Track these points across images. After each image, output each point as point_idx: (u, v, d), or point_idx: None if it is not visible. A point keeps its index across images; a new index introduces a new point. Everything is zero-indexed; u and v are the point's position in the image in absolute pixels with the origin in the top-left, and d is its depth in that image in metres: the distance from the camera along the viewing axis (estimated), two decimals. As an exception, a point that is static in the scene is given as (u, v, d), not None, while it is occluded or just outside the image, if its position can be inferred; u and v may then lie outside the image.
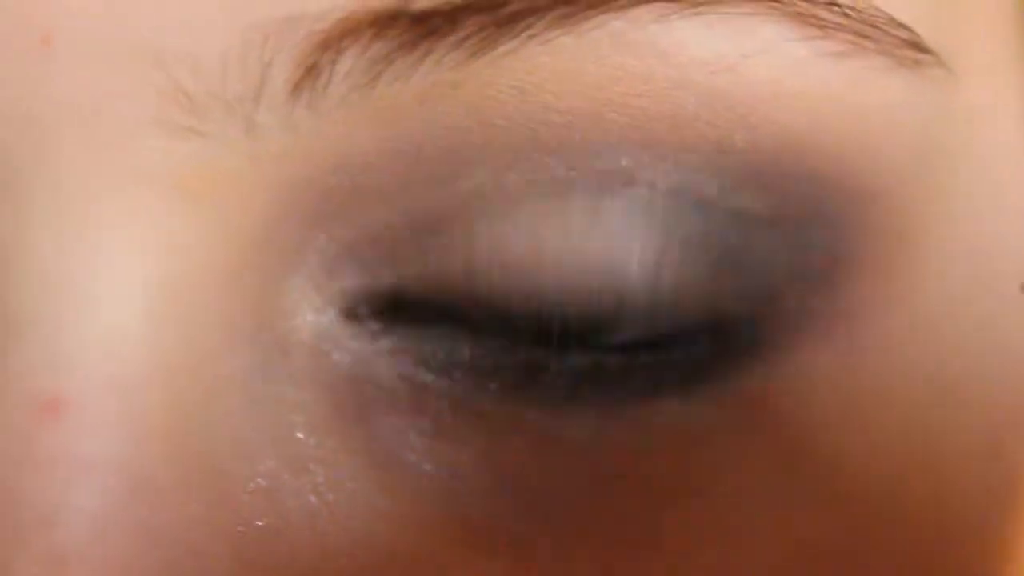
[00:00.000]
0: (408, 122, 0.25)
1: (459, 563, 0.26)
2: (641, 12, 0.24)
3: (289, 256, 0.26)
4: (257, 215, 0.25)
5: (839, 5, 0.25)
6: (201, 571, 0.24)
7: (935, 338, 0.28)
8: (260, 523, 0.25)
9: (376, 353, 0.26)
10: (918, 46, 0.26)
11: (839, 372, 0.28)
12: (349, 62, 0.23)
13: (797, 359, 0.27)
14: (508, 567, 0.26)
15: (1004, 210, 0.30)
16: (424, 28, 0.23)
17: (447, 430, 0.26)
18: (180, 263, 0.25)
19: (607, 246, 0.26)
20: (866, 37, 0.25)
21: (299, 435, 0.26)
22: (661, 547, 0.27)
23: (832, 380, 0.28)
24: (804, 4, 0.25)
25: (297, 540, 0.25)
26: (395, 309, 0.26)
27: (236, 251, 0.25)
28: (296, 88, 0.24)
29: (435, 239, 0.26)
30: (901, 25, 0.25)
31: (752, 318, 0.27)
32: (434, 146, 0.25)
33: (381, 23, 0.23)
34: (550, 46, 0.24)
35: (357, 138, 0.25)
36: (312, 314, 0.26)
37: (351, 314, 0.26)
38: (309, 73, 0.24)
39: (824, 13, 0.25)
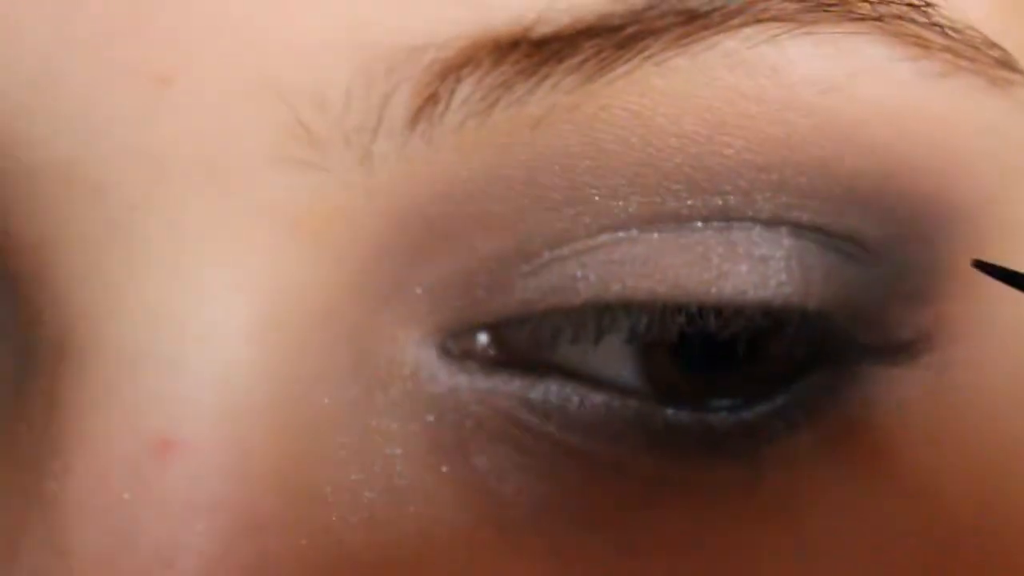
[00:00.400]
0: (520, 148, 0.24)
1: None
2: (753, 32, 0.24)
3: (391, 288, 0.25)
4: (365, 248, 0.25)
5: (940, 26, 0.25)
6: None
7: (1015, 352, 0.28)
8: (364, 556, 0.25)
9: (475, 391, 0.26)
10: (1010, 66, 0.26)
11: (934, 390, 0.28)
12: (467, 89, 0.23)
13: (896, 380, 0.27)
14: None
15: None
16: (544, 54, 0.23)
17: (547, 468, 0.26)
18: (287, 299, 0.25)
19: (726, 283, 0.26)
20: (963, 57, 0.25)
21: (399, 467, 0.26)
22: (748, 572, 0.27)
23: (928, 398, 0.28)
24: (906, 24, 0.25)
25: (400, 572, 0.25)
26: (497, 348, 0.26)
27: (341, 285, 0.25)
28: (415, 118, 0.23)
29: (543, 271, 0.26)
30: (995, 45, 0.25)
31: (858, 343, 0.27)
32: (546, 171, 0.25)
33: (502, 49, 0.23)
34: (664, 68, 0.24)
35: (468, 165, 0.24)
36: (413, 348, 0.26)
37: (451, 352, 0.26)
38: (428, 102, 0.23)
39: (926, 33, 0.25)
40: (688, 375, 0.27)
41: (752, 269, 0.26)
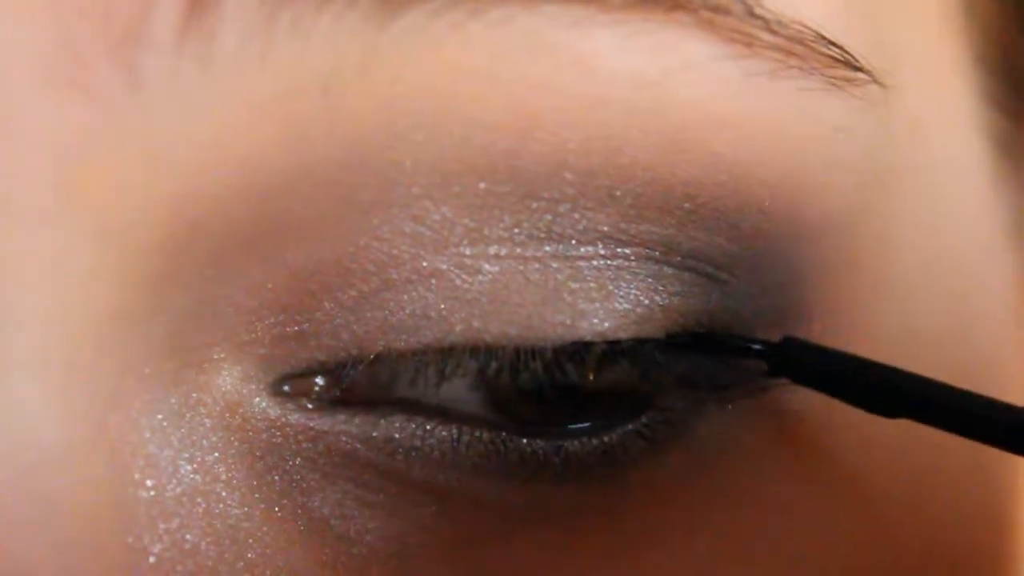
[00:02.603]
0: (315, 123, 0.23)
1: None
2: (553, 10, 0.23)
3: (197, 302, 0.24)
4: (155, 241, 0.23)
5: (763, 19, 0.23)
6: None
7: (908, 354, 0.27)
8: None
9: (310, 430, 0.25)
10: (849, 64, 0.24)
11: (805, 407, 0.26)
12: None
13: (768, 399, 0.26)
14: None
15: (948, 222, 0.29)
16: None
17: (394, 505, 0.25)
18: (73, 301, 0.23)
19: (582, 322, 0.25)
20: (792, 55, 0.24)
21: (222, 507, 0.24)
22: None
23: (807, 413, 0.26)
24: (726, 17, 0.23)
25: None
26: (335, 387, 0.25)
27: (133, 287, 0.23)
28: (184, 26, 0.22)
29: (375, 303, 0.24)
30: (831, 42, 0.24)
31: (722, 368, 0.25)
32: (349, 163, 0.23)
33: None
34: (458, 33, 0.23)
35: (263, 141, 0.23)
36: (233, 380, 0.24)
37: (283, 392, 0.25)
38: (197, 5, 0.22)
39: (747, 27, 0.23)
40: (540, 403, 0.25)
41: (607, 306, 0.25)
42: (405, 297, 0.24)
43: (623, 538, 0.25)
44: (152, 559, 0.23)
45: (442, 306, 0.24)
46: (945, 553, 0.28)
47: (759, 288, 0.25)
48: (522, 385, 0.25)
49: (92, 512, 0.23)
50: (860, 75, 0.24)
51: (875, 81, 0.25)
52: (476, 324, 0.24)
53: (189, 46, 0.22)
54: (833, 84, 0.24)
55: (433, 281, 0.24)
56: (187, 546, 0.24)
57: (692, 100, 0.24)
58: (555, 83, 0.23)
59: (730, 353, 0.25)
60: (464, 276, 0.24)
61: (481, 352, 0.24)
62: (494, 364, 0.24)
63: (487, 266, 0.24)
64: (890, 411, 0.25)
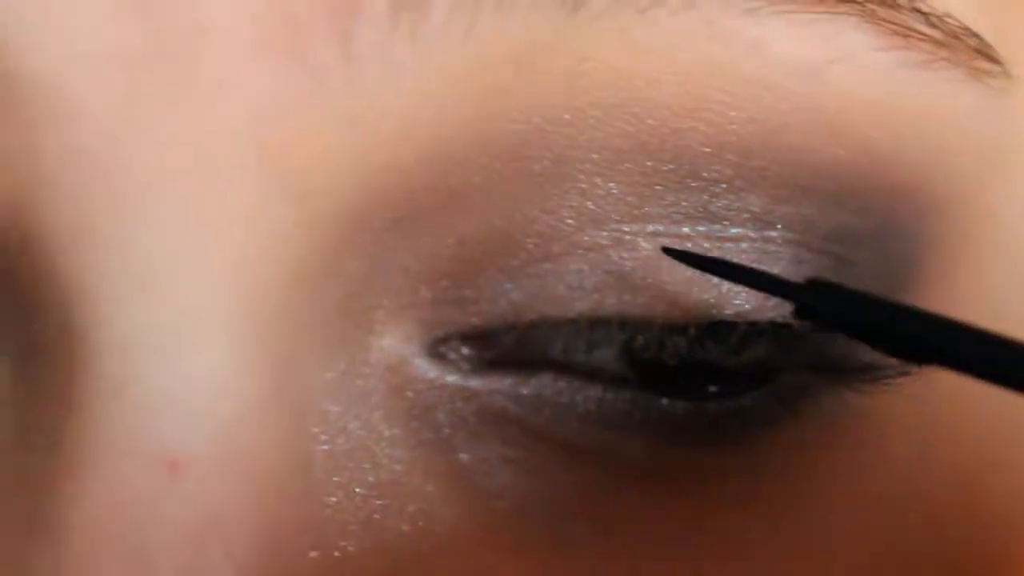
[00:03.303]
0: (503, 96, 0.24)
1: None
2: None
3: (370, 265, 0.25)
4: (343, 207, 0.24)
5: (922, 12, 0.25)
6: None
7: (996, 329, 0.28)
8: (367, 561, 0.25)
9: (463, 389, 0.26)
10: (989, 56, 0.26)
11: (915, 381, 0.28)
12: None
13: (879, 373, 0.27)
14: None
15: None
16: None
17: (534, 462, 0.26)
18: (262, 261, 0.23)
19: (727, 304, 0.26)
20: (944, 47, 0.25)
21: (385, 462, 0.25)
22: (744, 559, 0.27)
23: (909, 389, 0.27)
24: (887, 10, 0.24)
25: (399, 568, 0.25)
26: (481, 347, 0.26)
27: (318, 251, 0.24)
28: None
29: (534, 273, 0.25)
30: (974, 34, 0.25)
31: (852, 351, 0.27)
32: (529, 138, 0.24)
33: None
34: (644, 18, 0.24)
35: (454, 113, 0.23)
36: (395, 341, 0.26)
37: (436, 349, 0.26)
38: None
39: (907, 20, 0.25)
40: (680, 371, 0.26)
41: (752, 291, 0.26)
42: (563, 269, 0.25)
43: (757, 503, 0.26)
44: (328, 510, 0.24)
45: (596, 279, 0.25)
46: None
47: (884, 267, 0.26)
48: (665, 360, 0.26)
49: (278, 464, 0.24)
50: (996, 67, 0.26)
51: (1005, 73, 0.26)
52: (627, 298, 0.25)
53: (402, 19, 0.22)
54: (972, 75, 0.26)
55: (592, 255, 0.25)
56: (357, 499, 0.25)
57: (849, 87, 0.25)
58: (727, 66, 0.24)
59: (762, 288, 0.26)
60: (621, 252, 0.25)
61: (628, 326, 0.25)
62: (640, 338, 0.25)
63: (643, 243, 0.25)
64: (920, 356, 0.25)
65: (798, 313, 0.25)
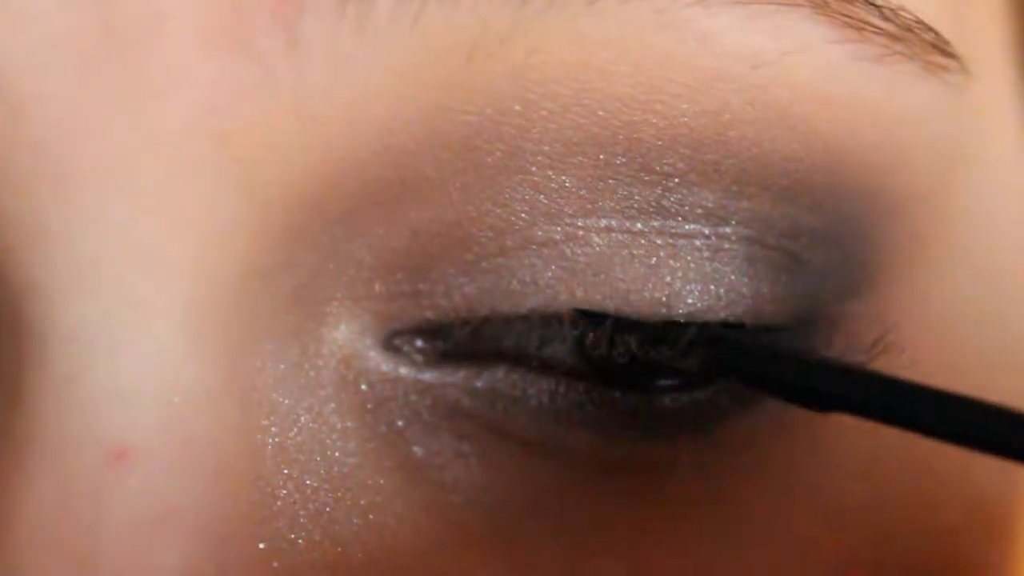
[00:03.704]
0: (454, 90, 0.23)
1: None
2: None
3: (325, 256, 0.25)
4: (296, 197, 0.24)
5: (876, 6, 0.24)
6: None
7: (951, 334, 0.28)
8: (317, 553, 0.24)
9: (416, 382, 0.26)
10: (944, 50, 0.26)
11: None
12: None
13: None
14: None
15: (1001, 206, 0.30)
16: None
17: (488, 455, 0.26)
18: (216, 249, 0.23)
19: (678, 302, 0.26)
20: (899, 40, 0.25)
21: (337, 454, 0.25)
22: (694, 553, 0.27)
23: None
24: (842, 4, 0.24)
25: (353, 566, 0.25)
26: (436, 337, 0.26)
27: (271, 240, 0.24)
28: None
29: (488, 268, 0.25)
30: (929, 28, 0.25)
31: (797, 335, 0.26)
32: (481, 129, 0.24)
33: None
34: (594, 8, 0.23)
35: (407, 105, 0.23)
36: (347, 329, 0.25)
37: (389, 342, 0.26)
38: None
39: (861, 13, 0.24)
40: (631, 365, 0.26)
41: (704, 288, 0.26)
42: (516, 264, 0.25)
43: (709, 495, 0.26)
44: (278, 503, 0.24)
45: (549, 275, 0.25)
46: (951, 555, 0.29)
47: (838, 262, 0.26)
48: (616, 358, 0.25)
49: (228, 456, 0.24)
50: (951, 61, 0.26)
51: (962, 68, 0.26)
52: (579, 295, 0.25)
53: (348, 10, 0.22)
54: (928, 69, 0.25)
55: (545, 250, 0.25)
56: (308, 491, 0.25)
57: (802, 80, 0.25)
58: (679, 57, 0.24)
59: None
60: (574, 247, 0.25)
61: (580, 323, 0.25)
62: (591, 336, 0.25)
63: (596, 238, 0.25)
64: (820, 406, 0.25)
65: (704, 365, 0.25)
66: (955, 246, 0.28)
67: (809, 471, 0.27)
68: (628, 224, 0.25)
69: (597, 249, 0.25)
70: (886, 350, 0.27)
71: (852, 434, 0.27)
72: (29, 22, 0.22)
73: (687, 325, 0.26)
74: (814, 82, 0.25)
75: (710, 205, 0.25)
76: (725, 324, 0.26)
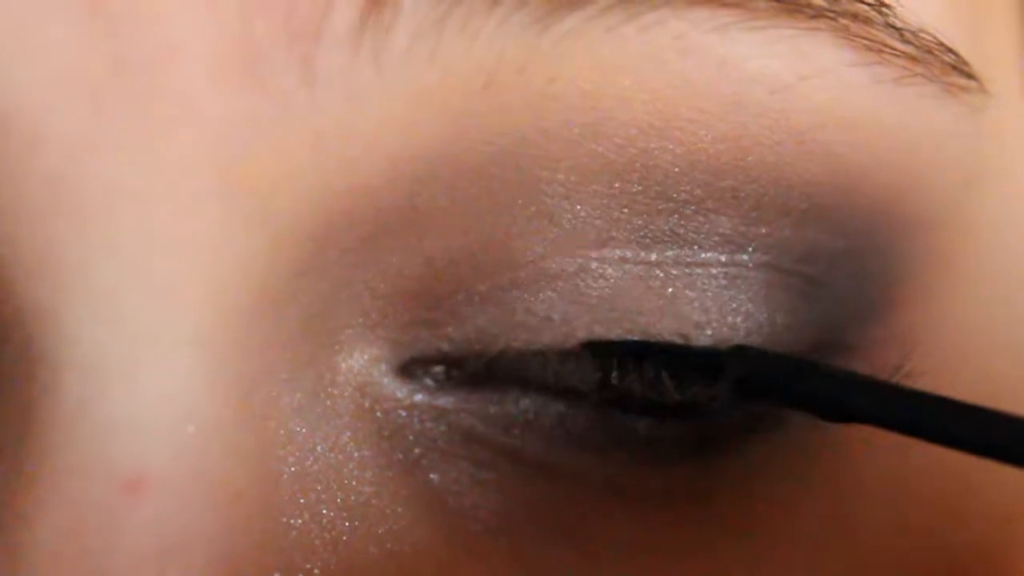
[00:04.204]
0: (470, 119, 0.23)
1: None
2: (701, 15, 0.23)
3: (337, 285, 0.24)
4: (308, 227, 0.23)
5: (897, 28, 0.24)
6: None
7: (975, 358, 0.28)
8: None
9: (432, 409, 0.26)
10: (964, 72, 0.26)
11: None
12: None
13: None
14: None
15: (1020, 227, 0.30)
16: None
17: (506, 482, 0.26)
18: (229, 283, 0.23)
19: (700, 335, 0.25)
20: (919, 62, 0.25)
21: (354, 483, 0.25)
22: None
23: None
24: (861, 25, 0.24)
25: None
26: (450, 366, 0.26)
27: (283, 271, 0.24)
28: (361, 23, 0.22)
29: (502, 301, 0.25)
30: (949, 49, 0.25)
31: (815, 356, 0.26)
32: (496, 158, 0.24)
33: None
34: (613, 35, 0.23)
35: (421, 134, 0.23)
36: (363, 360, 0.25)
37: (404, 370, 0.26)
38: (375, 5, 0.22)
39: (881, 35, 0.24)
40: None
41: (722, 319, 0.26)
42: (530, 297, 0.25)
43: (720, 521, 0.26)
44: (294, 532, 0.24)
45: (565, 309, 0.25)
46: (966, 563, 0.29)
47: (856, 285, 0.26)
48: (631, 391, 0.25)
49: (243, 485, 0.24)
50: (971, 82, 0.26)
51: (981, 89, 0.26)
52: (598, 330, 0.25)
53: (365, 43, 0.22)
54: (948, 91, 0.25)
55: (560, 283, 0.25)
56: (324, 520, 0.24)
57: (821, 104, 0.24)
58: (697, 84, 0.24)
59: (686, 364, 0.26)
60: (589, 281, 0.25)
61: (599, 354, 0.25)
62: (613, 370, 0.25)
63: (611, 271, 0.25)
64: (841, 416, 0.25)
65: (726, 382, 0.25)
66: (978, 268, 0.28)
67: (829, 494, 0.27)
68: (643, 254, 0.25)
69: (612, 281, 0.25)
70: (908, 375, 0.27)
71: (875, 455, 0.27)
72: (41, 57, 0.22)
73: (709, 357, 0.25)
74: (833, 106, 0.25)
75: (727, 232, 0.25)
76: (742, 350, 0.26)
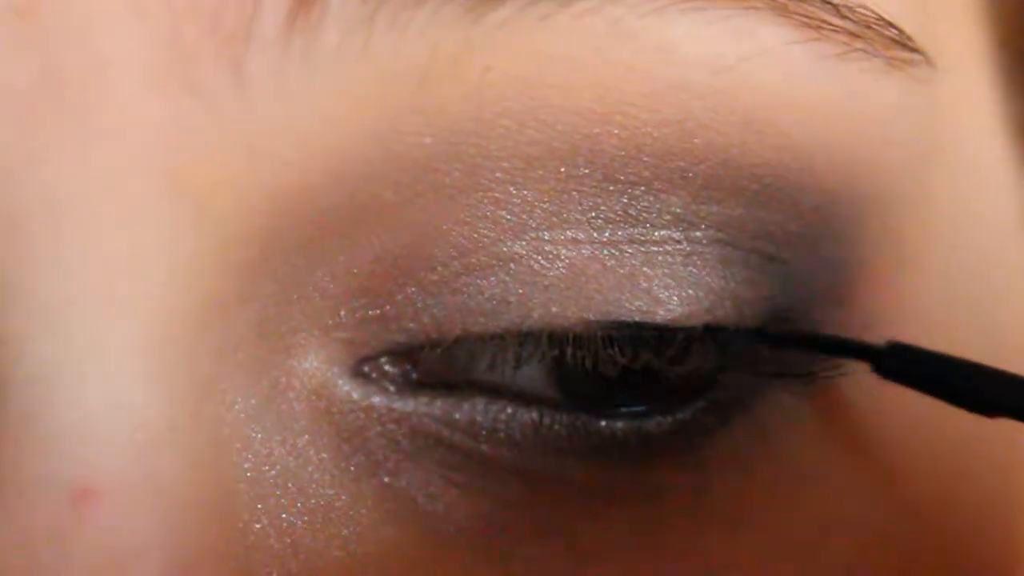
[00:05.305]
0: (407, 114, 0.23)
1: None
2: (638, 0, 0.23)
3: (287, 287, 0.24)
4: (252, 230, 0.23)
5: (834, 4, 0.24)
6: None
7: (938, 333, 0.28)
8: None
9: (392, 411, 0.25)
10: (907, 46, 0.26)
11: (852, 385, 0.27)
12: None
13: (824, 384, 0.27)
14: None
15: (975, 202, 0.30)
16: None
17: (481, 485, 0.25)
18: (177, 289, 0.23)
19: (658, 309, 0.25)
20: (859, 37, 0.25)
21: (314, 487, 0.25)
22: (699, 572, 0.27)
23: (865, 393, 0.27)
24: (799, 4, 0.24)
25: None
26: (407, 365, 0.25)
27: (231, 274, 0.24)
28: (289, 23, 0.22)
29: (456, 287, 0.25)
30: (890, 24, 0.25)
31: (775, 345, 0.26)
32: (438, 151, 0.24)
33: None
34: (547, 24, 0.23)
35: (358, 131, 0.23)
36: (318, 363, 0.25)
37: (359, 370, 0.25)
38: (303, 6, 0.22)
39: (819, 12, 0.24)
40: (610, 383, 0.26)
41: (680, 292, 0.25)
42: (484, 282, 0.25)
43: (705, 515, 0.26)
44: (252, 537, 0.24)
45: (520, 291, 0.25)
46: (964, 550, 0.29)
47: (817, 266, 0.26)
48: (602, 371, 0.25)
49: (197, 492, 0.23)
50: (916, 56, 0.26)
51: (927, 62, 0.26)
52: (555, 310, 0.25)
53: (294, 43, 0.22)
54: (892, 65, 0.25)
55: (512, 266, 0.25)
56: (284, 524, 0.24)
57: (765, 83, 0.24)
58: (637, 68, 0.24)
59: (832, 352, 0.26)
60: (542, 261, 0.25)
61: (557, 339, 0.25)
62: (572, 352, 0.25)
63: (564, 251, 0.25)
64: (990, 410, 0.25)
65: (882, 374, 0.26)
66: (934, 241, 0.28)
67: (800, 481, 0.27)
68: (596, 235, 0.25)
69: (567, 262, 0.25)
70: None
71: (828, 454, 0.27)
72: None
73: (674, 331, 0.25)
74: (777, 85, 0.25)
75: (679, 211, 0.25)
76: (708, 327, 0.26)
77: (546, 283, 0.25)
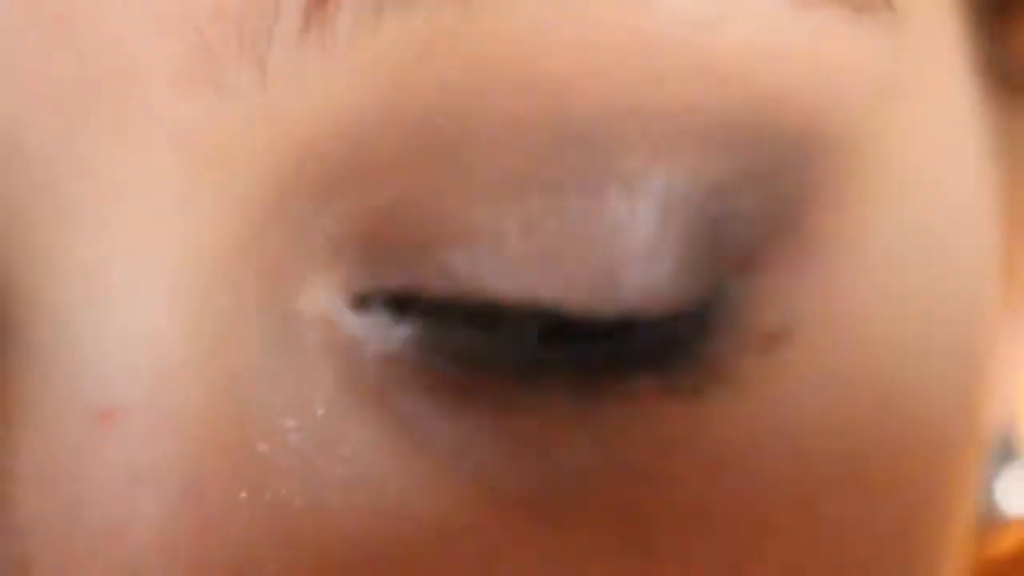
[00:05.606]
0: (411, 85, 0.25)
1: (495, 528, 0.27)
2: None
3: (294, 234, 0.26)
4: (265, 184, 0.25)
5: None
6: (254, 559, 0.25)
7: (896, 264, 0.30)
8: (298, 503, 0.26)
9: (386, 341, 0.27)
10: None
11: (818, 312, 0.29)
12: None
13: (777, 308, 0.28)
14: (546, 530, 0.27)
15: (940, 144, 0.31)
16: None
17: (463, 409, 0.27)
18: (198, 239, 0.25)
19: (603, 231, 0.27)
20: None
21: (319, 411, 0.27)
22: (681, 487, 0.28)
23: (813, 319, 0.28)
24: None
25: (337, 515, 0.26)
26: (403, 301, 0.27)
27: (247, 220, 0.25)
28: (307, 18, 0.24)
29: (439, 226, 0.26)
30: None
31: (734, 280, 0.28)
32: (437, 113, 0.25)
33: None
34: None
35: (364, 97, 0.25)
36: (321, 295, 0.27)
37: (359, 303, 0.27)
38: (318, 4, 0.24)
39: None
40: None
41: (649, 254, 0.27)
42: (468, 249, 0.26)
43: (694, 427, 0.28)
44: (260, 456, 0.26)
45: (494, 260, 0.26)
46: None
47: (773, 210, 0.27)
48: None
49: (211, 417, 0.25)
50: (880, 2, 0.27)
51: (890, 7, 0.27)
52: (542, 273, 0.27)
53: (311, 36, 0.24)
54: (857, 11, 0.26)
55: (494, 235, 0.26)
56: (292, 444, 0.26)
57: (739, 35, 0.26)
58: (615, 21, 0.25)
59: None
60: (515, 231, 0.26)
61: (541, 312, 0.27)
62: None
63: (537, 217, 0.26)
64: None
65: None
66: (887, 184, 0.29)
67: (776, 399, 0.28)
68: (562, 200, 0.26)
69: (551, 229, 0.26)
70: (835, 279, 0.29)
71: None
72: (16, 80, 0.24)
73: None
74: (750, 35, 0.26)
75: (641, 167, 0.26)
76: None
77: (519, 255, 0.26)
